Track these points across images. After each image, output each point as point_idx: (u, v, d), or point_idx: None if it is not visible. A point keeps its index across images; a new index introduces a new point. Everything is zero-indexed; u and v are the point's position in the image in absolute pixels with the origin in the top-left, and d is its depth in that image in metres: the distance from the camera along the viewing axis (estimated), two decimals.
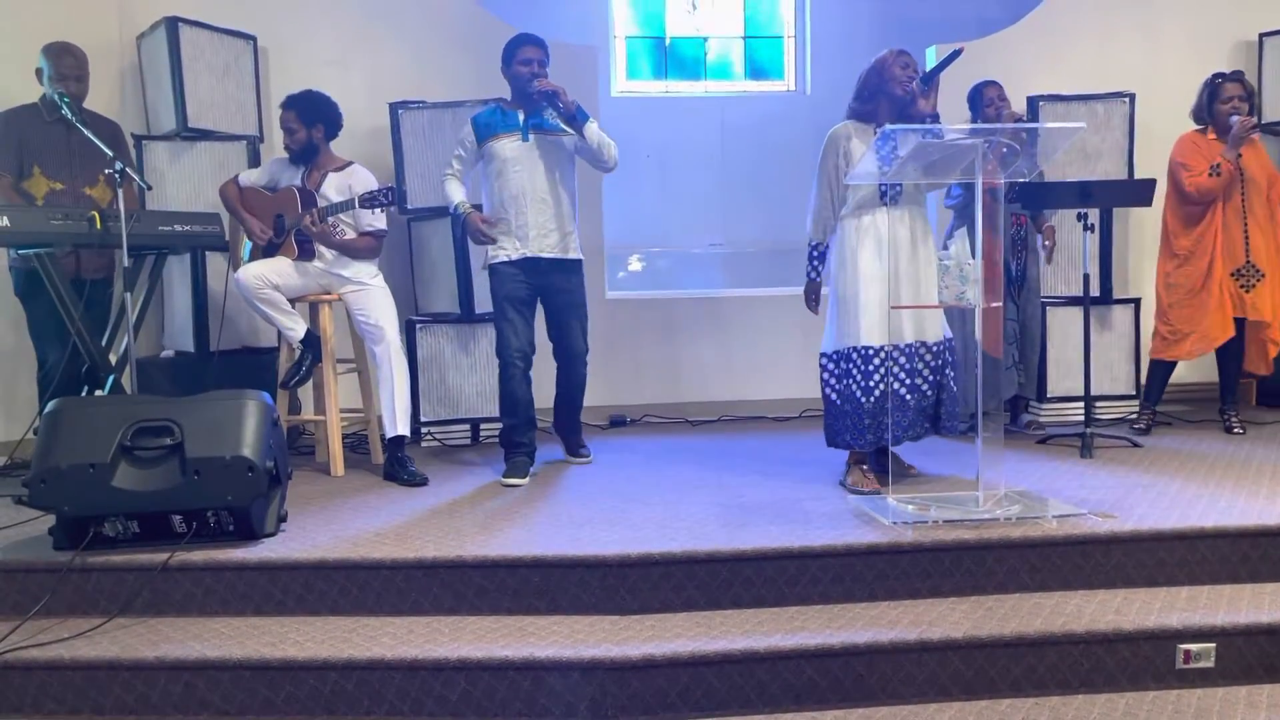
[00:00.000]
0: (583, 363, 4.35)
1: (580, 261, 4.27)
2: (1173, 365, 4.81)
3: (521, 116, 4.12)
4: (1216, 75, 4.64)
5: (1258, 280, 4.58)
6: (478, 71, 5.34)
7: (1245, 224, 4.58)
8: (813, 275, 3.81)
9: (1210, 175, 4.49)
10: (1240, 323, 4.64)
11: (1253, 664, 2.76)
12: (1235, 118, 4.48)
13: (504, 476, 4.06)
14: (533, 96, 4.02)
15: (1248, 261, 4.59)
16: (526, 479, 4.05)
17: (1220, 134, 4.58)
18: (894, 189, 3.61)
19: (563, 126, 4.10)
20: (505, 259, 4.12)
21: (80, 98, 4.25)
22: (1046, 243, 4.84)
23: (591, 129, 4.06)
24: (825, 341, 3.78)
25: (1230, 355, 4.77)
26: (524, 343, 4.13)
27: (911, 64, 3.67)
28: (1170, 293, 4.70)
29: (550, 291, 4.19)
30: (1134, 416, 4.91)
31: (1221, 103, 4.56)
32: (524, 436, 4.17)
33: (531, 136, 4.09)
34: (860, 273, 3.63)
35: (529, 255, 4.10)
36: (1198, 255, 4.62)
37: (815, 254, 3.78)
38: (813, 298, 3.84)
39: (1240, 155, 4.56)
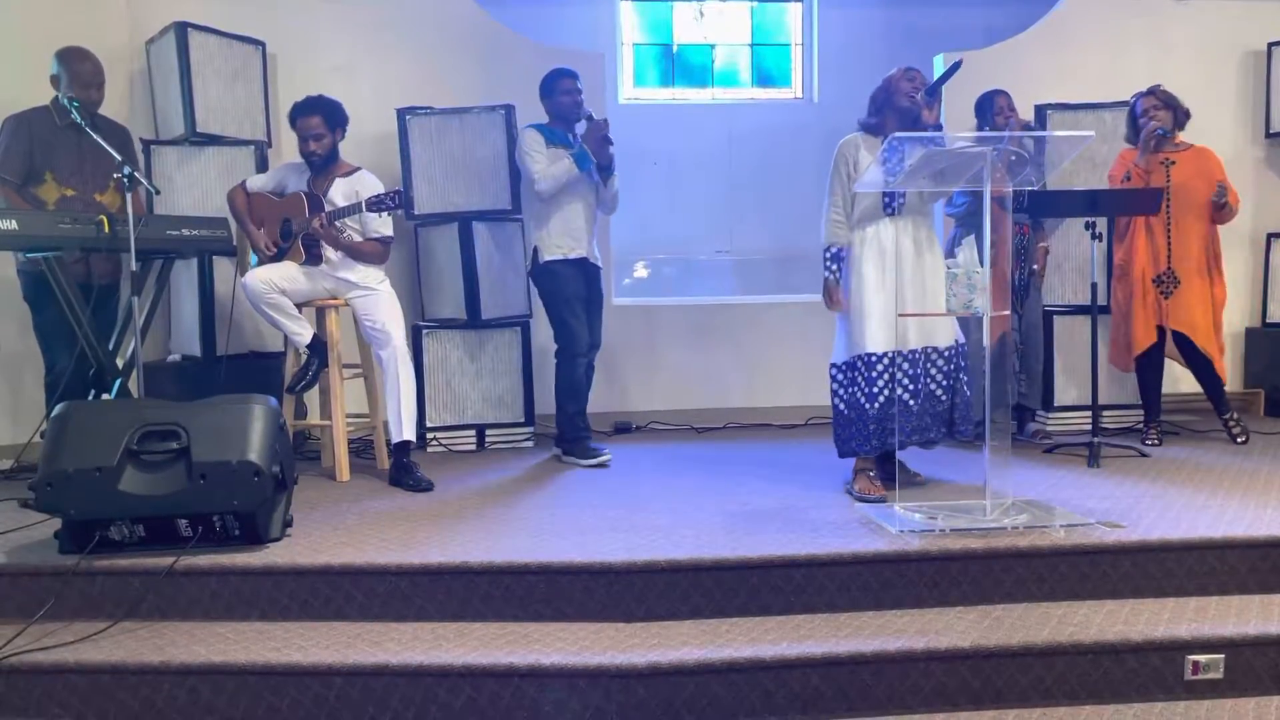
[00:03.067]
0: (594, 358, 4.70)
1: (602, 269, 4.77)
2: (1157, 376, 4.81)
3: (574, 138, 4.56)
4: (1135, 93, 4.75)
5: (1174, 288, 4.62)
6: (485, 78, 5.36)
7: (1169, 231, 4.62)
8: (828, 276, 3.78)
9: (1123, 181, 4.60)
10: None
11: (1262, 675, 2.75)
12: (1145, 127, 4.59)
13: (586, 458, 4.51)
14: (599, 135, 4.45)
15: (1168, 268, 4.63)
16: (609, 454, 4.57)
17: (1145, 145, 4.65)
18: (898, 199, 3.67)
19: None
20: (563, 257, 4.53)
21: (98, 105, 4.26)
22: (1035, 265, 4.83)
23: (614, 181, 4.61)
24: (835, 353, 3.83)
25: (1197, 368, 4.75)
26: (589, 336, 4.61)
27: (918, 78, 3.74)
28: (1116, 303, 4.80)
29: (589, 290, 4.65)
30: (1140, 427, 4.91)
31: (1140, 115, 4.67)
32: (585, 420, 4.65)
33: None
34: (865, 282, 3.68)
35: (580, 256, 4.57)
36: (1131, 265, 4.70)
37: (829, 255, 3.78)
38: (830, 297, 3.80)
39: (1173, 163, 4.62)
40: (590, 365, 4.67)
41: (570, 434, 4.59)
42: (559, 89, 4.56)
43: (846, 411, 3.76)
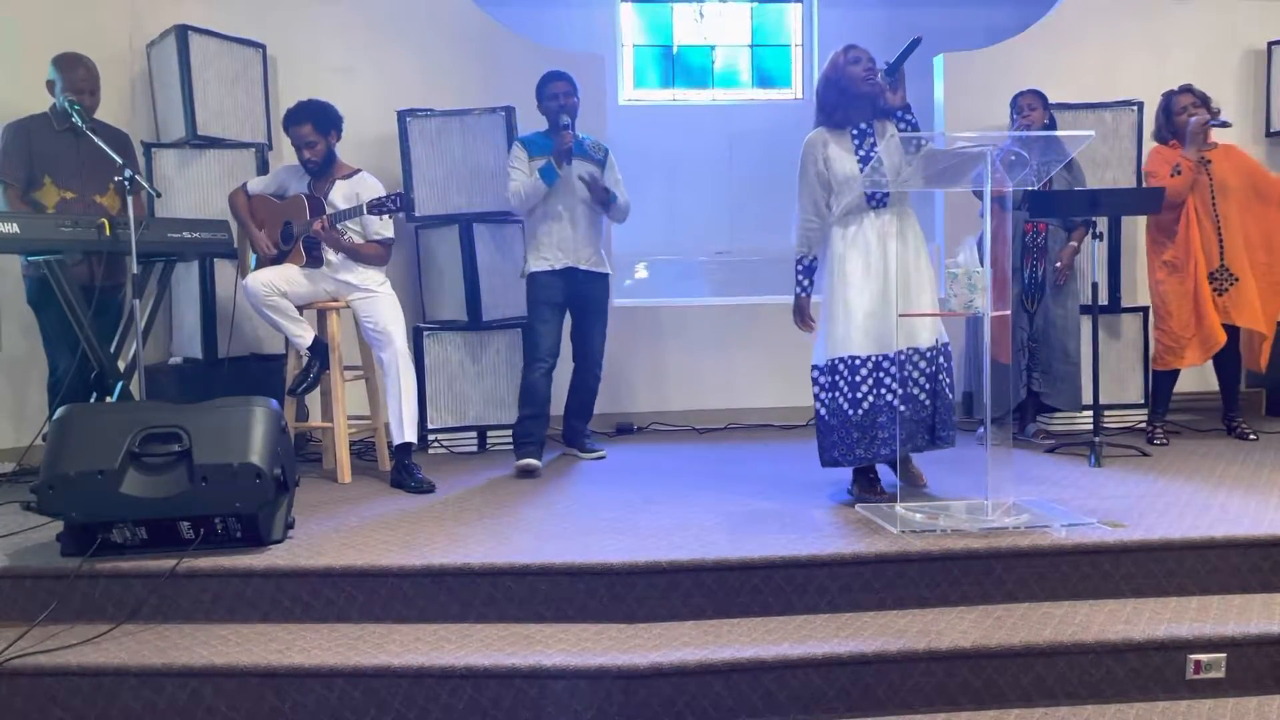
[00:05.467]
0: (598, 366, 4.72)
1: (609, 275, 4.72)
2: (1176, 374, 4.82)
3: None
4: (1167, 92, 4.76)
5: (1230, 284, 4.63)
6: (486, 80, 5.36)
7: (1218, 228, 4.64)
8: (799, 291, 3.69)
9: (1171, 176, 4.57)
10: (1229, 328, 4.66)
11: (1264, 674, 2.75)
12: (1192, 119, 4.58)
13: (519, 460, 4.35)
14: (561, 149, 4.39)
15: (1221, 265, 4.64)
16: (539, 463, 4.37)
17: (1183, 142, 4.65)
18: (880, 192, 3.51)
19: (593, 155, 4.60)
20: (548, 268, 4.51)
21: (92, 110, 4.26)
22: (1058, 264, 4.78)
23: (616, 208, 4.61)
24: (815, 353, 3.67)
25: (1225, 362, 4.80)
26: (554, 344, 4.54)
27: (863, 56, 3.56)
28: (1167, 302, 4.72)
29: (581, 299, 4.60)
30: (1144, 426, 4.90)
31: (1178, 113, 4.67)
32: (537, 427, 4.47)
33: (573, 161, 4.48)
34: (848, 280, 3.51)
35: (570, 265, 4.50)
36: (1185, 262, 4.67)
37: (801, 268, 3.67)
38: (801, 315, 3.73)
39: (1209, 161, 4.64)
40: (591, 372, 4.70)
41: (516, 433, 4.51)
42: (544, 93, 4.54)
43: (828, 417, 3.58)
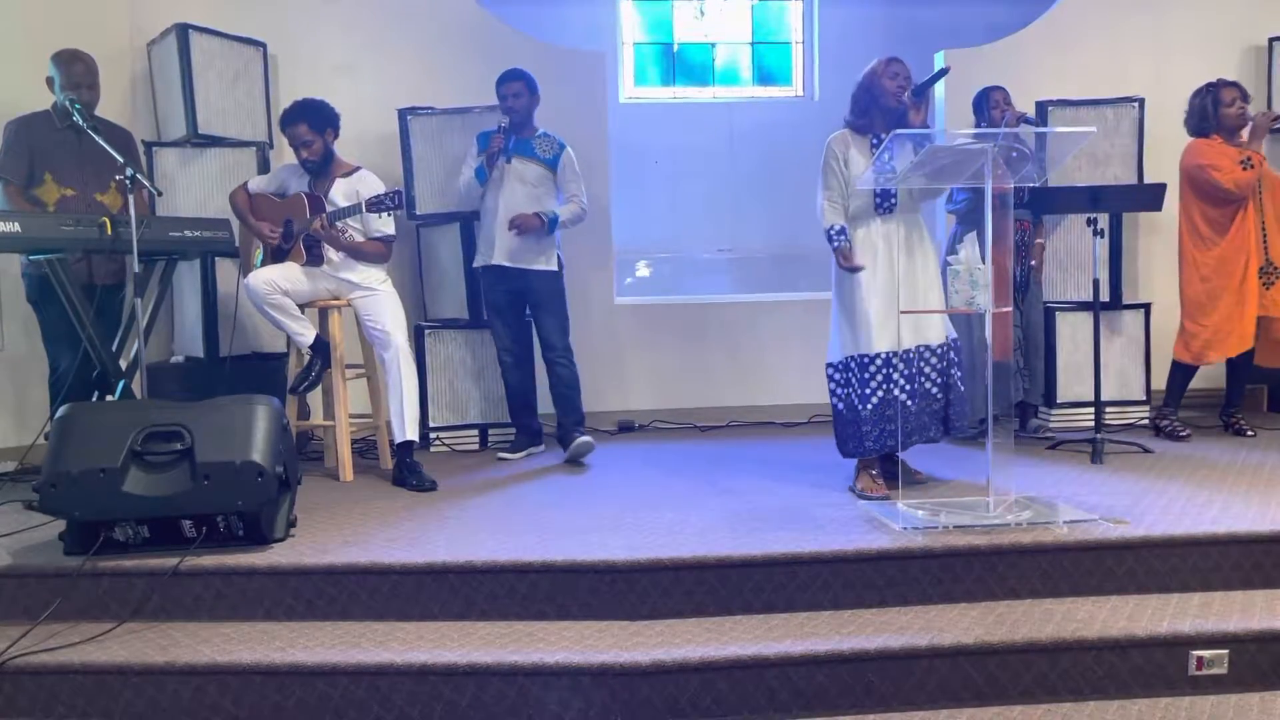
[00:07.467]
0: (562, 357, 4.64)
1: (552, 272, 4.63)
2: (1196, 369, 4.80)
3: (511, 141, 4.53)
4: (1209, 84, 4.68)
5: (1277, 278, 4.63)
6: (486, 78, 5.33)
7: (1263, 223, 4.64)
8: (840, 244, 3.65)
9: (1244, 169, 4.49)
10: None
11: (1266, 670, 2.75)
12: (1251, 113, 4.55)
13: (508, 452, 4.72)
14: (490, 153, 4.48)
15: (1268, 260, 4.64)
16: (518, 455, 4.70)
17: (1228, 136, 4.61)
18: (889, 200, 3.66)
19: (540, 154, 4.57)
20: (480, 264, 4.67)
21: (92, 105, 4.26)
22: (1033, 261, 4.81)
23: (564, 222, 4.57)
24: (830, 352, 3.83)
25: (1242, 358, 4.76)
26: (506, 340, 4.71)
27: (902, 72, 3.68)
28: (1210, 297, 4.64)
29: (524, 294, 4.66)
30: (1156, 422, 4.87)
31: (1226, 106, 4.61)
32: (519, 417, 4.79)
33: (513, 160, 4.52)
34: (858, 282, 3.67)
35: (493, 263, 4.57)
36: (1233, 256, 4.61)
37: (833, 231, 3.67)
38: (847, 258, 3.66)
39: (1249, 158, 4.57)
40: (556, 364, 4.62)
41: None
42: (497, 94, 4.60)
43: (845, 411, 3.75)
